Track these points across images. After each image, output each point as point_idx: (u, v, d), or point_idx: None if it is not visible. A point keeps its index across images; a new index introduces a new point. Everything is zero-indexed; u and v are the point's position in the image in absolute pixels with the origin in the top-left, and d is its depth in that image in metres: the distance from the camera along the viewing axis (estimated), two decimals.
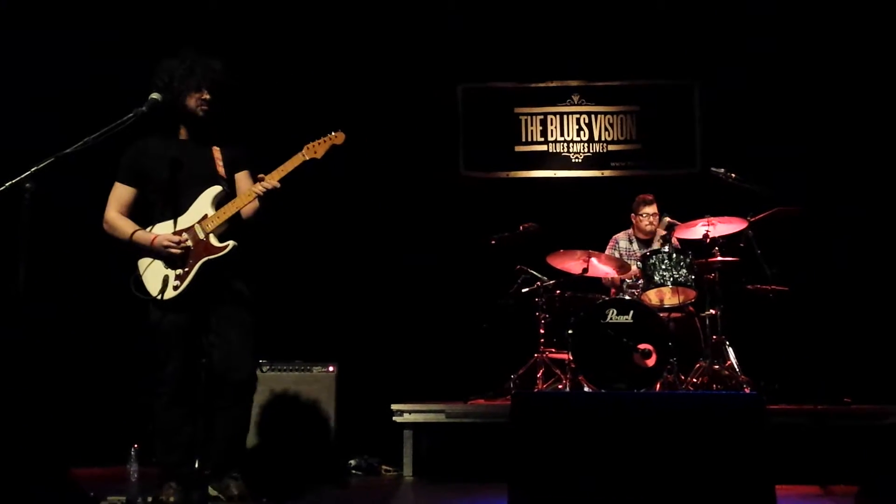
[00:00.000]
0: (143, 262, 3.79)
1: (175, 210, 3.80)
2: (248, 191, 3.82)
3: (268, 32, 6.58)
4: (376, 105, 6.69)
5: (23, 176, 3.18)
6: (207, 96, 3.83)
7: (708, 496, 2.70)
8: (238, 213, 3.84)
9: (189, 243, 3.76)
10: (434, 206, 6.70)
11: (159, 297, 3.70)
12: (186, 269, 3.74)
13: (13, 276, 3.12)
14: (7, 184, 3.17)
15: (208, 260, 3.75)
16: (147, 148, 3.88)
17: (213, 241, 3.77)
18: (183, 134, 3.92)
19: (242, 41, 6.32)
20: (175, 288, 3.73)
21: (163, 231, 3.80)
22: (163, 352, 3.76)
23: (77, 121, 3.95)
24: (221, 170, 3.87)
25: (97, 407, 5.72)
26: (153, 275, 3.76)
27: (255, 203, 3.86)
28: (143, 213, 3.89)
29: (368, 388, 5.71)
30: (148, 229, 3.82)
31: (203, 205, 3.82)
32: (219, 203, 3.82)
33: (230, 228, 3.82)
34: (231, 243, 3.77)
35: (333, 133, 3.83)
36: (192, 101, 3.82)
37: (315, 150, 3.82)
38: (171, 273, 3.75)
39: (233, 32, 6.37)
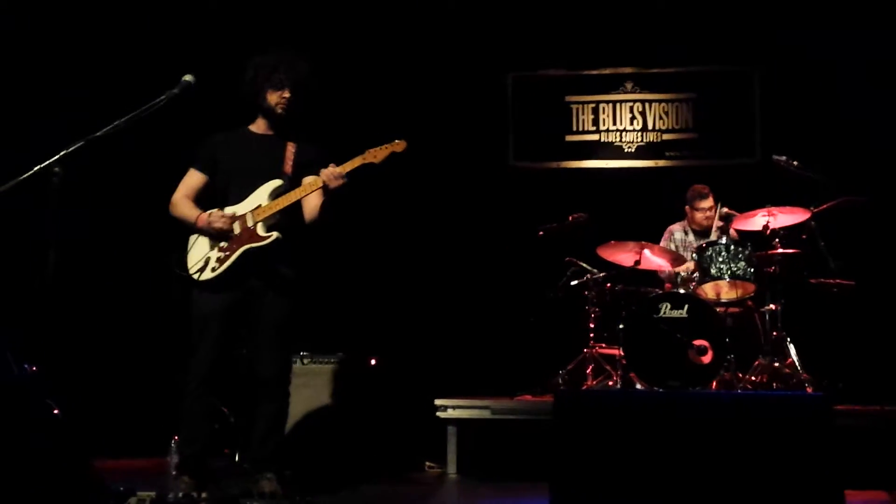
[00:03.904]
0: (192, 240, 3.85)
1: (237, 197, 3.85)
2: (309, 182, 3.80)
3: (315, 23, 6.49)
4: (425, 95, 6.57)
5: (52, 160, 3.11)
6: (288, 95, 3.87)
7: (768, 502, 2.50)
8: (296, 210, 3.84)
9: (237, 229, 3.77)
10: (482, 197, 6.55)
11: (196, 275, 3.75)
12: (228, 254, 3.77)
13: (43, 262, 3.07)
14: (36, 168, 3.10)
15: (250, 248, 3.75)
16: (225, 139, 3.98)
17: (260, 230, 3.78)
18: (261, 127, 3.98)
19: (276, 25, 6.26)
20: (213, 270, 3.76)
21: None
22: (196, 335, 3.77)
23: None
24: (289, 167, 3.89)
25: (144, 397, 5.71)
26: (197, 254, 3.82)
27: (319, 202, 3.83)
28: (209, 200, 3.95)
29: (412, 382, 5.59)
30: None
31: (260, 195, 3.84)
32: (276, 196, 3.82)
33: (282, 221, 3.81)
34: (275, 234, 3.76)
35: (396, 141, 3.79)
36: (272, 98, 3.88)
37: (375, 154, 3.77)
38: (214, 255, 3.78)
39: (266, 18, 6.32)
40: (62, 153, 3.14)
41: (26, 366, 4.15)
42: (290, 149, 3.92)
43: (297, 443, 4.87)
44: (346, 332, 5.59)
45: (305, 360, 5.01)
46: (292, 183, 3.87)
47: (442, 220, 6.45)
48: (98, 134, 3.25)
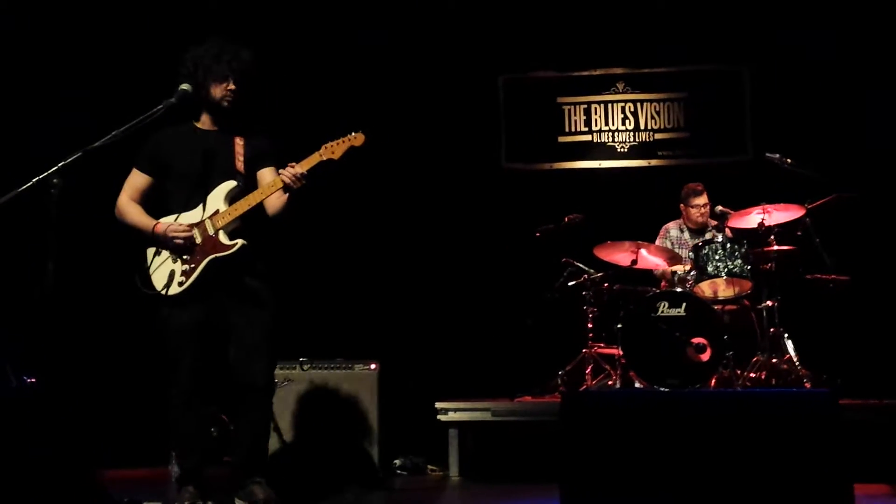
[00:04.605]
0: (151, 254, 3.68)
1: (189, 203, 3.68)
2: (268, 184, 3.63)
3: (304, 25, 6.49)
4: (416, 98, 6.57)
5: (50, 171, 3.10)
6: (233, 86, 3.69)
7: (777, 500, 2.51)
8: (257, 210, 3.67)
9: (198, 238, 3.63)
10: (476, 200, 6.55)
11: (163, 292, 3.59)
12: (193, 266, 3.61)
13: (42, 273, 3.05)
14: (34, 179, 3.09)
15: (215, 258, 3.60)
16: (168, 137, 3.78)
17: (223, 238, 3.61)
18: (206, 123, 3.79)
19: (274, 32, 6.25)
20: (180, 284, 3.60)
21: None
22: (173, 351, 3.64)
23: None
24: (240, 164, 3.71)
25: (144, 405, 5.67)
26: (159, 269, 3.66)
27: (283, 199, 3.66)
28: (159, 203, 3.78)
29: (412, 386, 5.59)
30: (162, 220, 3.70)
31: (216, 200, 3.67)
32: (232, 199, 3.66)
33: (242, 226, 3.66)
34: (240, 242, 3.60)
35: (353, 134, 3.59)
36: (217, 91, 3.70)
37: (333, 150, 3.58)
38: (178, 268, 3.63)
39: (262, 22, 6.30)
40: (60, 164, 3.13)
41: (25, 378, 4.14)
42: (239, 144, 3.74)
43: (298, 449, 4.87)
44: (344, 338, 5.58)
45: (305, 367, 5.00)
46: (246, 181, 3.70)
47: (437, 224, 6.44)
48: (95, 145, 3.24)
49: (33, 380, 4.17)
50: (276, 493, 3.66)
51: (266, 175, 3.78)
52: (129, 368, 5.83)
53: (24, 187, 3.09)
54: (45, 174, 3.09)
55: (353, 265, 6.33)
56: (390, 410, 5.11)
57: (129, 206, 3.74)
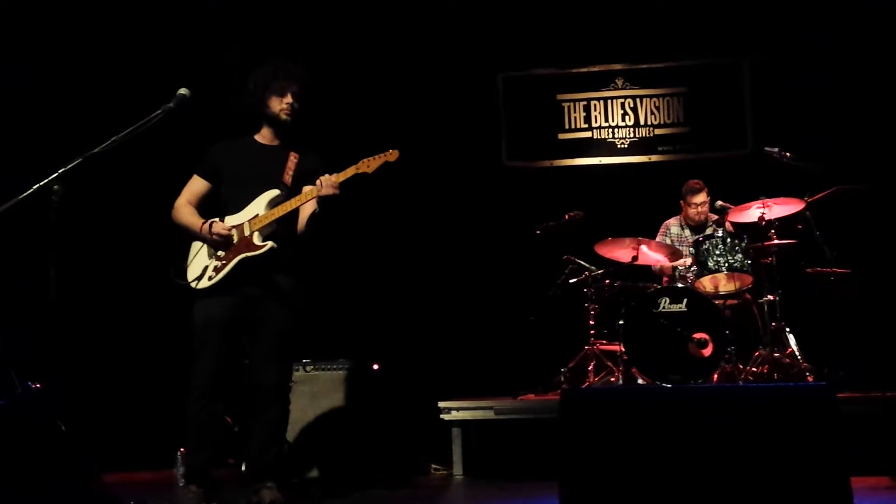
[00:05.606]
0: (195, 249, 3.91)
1: (236, 207, 3.89)
2: (305, 191, 3.81)
3: (306, 27, 6.50)
4: (416, 98, 6.58)
5: (50, 178, 3.10)
6: (290, 100, 3.90)
7: (776, 493, 2.52)
8: (295, 218, 3.89)
9: (235, 239, 3.81)
10: (477, 198, 6.56)
11: (194, 283, 3.80)
12: (224, 263, 3.81)
13: (45, 280, 3.07)
14: (34, 186, 3.10)
15: (245, 257, 3.78)
16: (229, 148, 4.01)
17: (256, 239, 3.80)
18: (266, 138, 4.02)
19: (267, 31, 6.27)
20: (210, 279, 3.80)
21: None
22: (197, 344, 3.78)
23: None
24: (288, 177, 3.90)
25: (149, 409, 5.70)
26: (196, 263, 3.88)
27: (311, 209, 3.84)
28: (213, 208, 4.00)
29: (414, 385, 5.60)
30: None
31: (258, 205, 3.86)
32: (273, 206, 3.85)
33: (279, 230, 3.84)
34: (269, 244, 3.78)
35: (389, 151, 3.79)
36: (275, 106, 3.92)
37: (368, 164, 3.77)
38: (211, 264, 3.83)
39: (256, 23, 6.33)
40: (60, 171, 3.13)
41: (29, 383, 4.16)
42: (292, 159, 3.94)
43: (303, 450, 4.88)
44: (346, 338, 5.60)
45: (308, 368, 5.02)
46: (290, 193, 3.88)
47: (438, 223, 6.46)
48: (95, 150, 3.24)
49: (38, 385, 4.20)
50: (283, 497, 3.72)
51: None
52: (132, 373, 5.86)
53: (25, 195, 3.10)
54: (46, 181, 3.10)
55: (354, 265, 6.34)
56: (393, 410, 5.13)
57: (184, 208, 3.96)
